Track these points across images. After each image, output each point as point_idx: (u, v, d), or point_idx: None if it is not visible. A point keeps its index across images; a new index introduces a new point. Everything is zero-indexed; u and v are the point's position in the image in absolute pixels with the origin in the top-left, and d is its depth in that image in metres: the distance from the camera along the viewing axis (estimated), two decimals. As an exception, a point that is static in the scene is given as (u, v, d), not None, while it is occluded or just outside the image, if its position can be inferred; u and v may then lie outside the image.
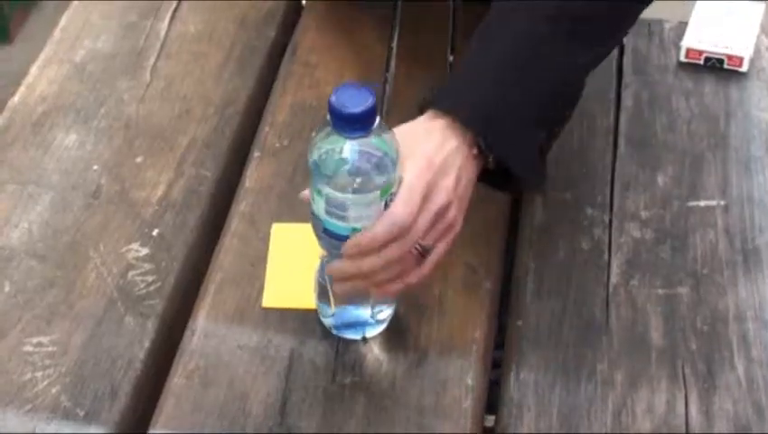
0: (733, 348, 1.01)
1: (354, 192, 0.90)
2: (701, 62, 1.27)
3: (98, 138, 1.20)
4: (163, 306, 1.04)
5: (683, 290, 1.05)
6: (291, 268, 1.06)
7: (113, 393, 0.97)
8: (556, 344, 1.02)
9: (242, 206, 1.13)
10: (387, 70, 1.26)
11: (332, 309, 1.00)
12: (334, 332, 1.01)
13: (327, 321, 1.01)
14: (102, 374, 0.99)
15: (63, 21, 1.35)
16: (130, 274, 1.06)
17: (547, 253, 1.09)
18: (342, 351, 1.00)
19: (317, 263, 0.98)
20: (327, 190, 0.90)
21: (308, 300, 1.02)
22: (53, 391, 0.97)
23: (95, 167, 1.16)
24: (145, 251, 1.08)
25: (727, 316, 1.03)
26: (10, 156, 1.18)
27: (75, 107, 1.23)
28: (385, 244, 0.91)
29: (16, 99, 1.24)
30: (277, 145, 1.18)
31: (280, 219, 1.11)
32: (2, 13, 2.71)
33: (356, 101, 0.87)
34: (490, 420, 1.00)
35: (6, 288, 1.05)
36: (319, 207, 0.92)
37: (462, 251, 1.07)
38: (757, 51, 1.28)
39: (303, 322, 1.02)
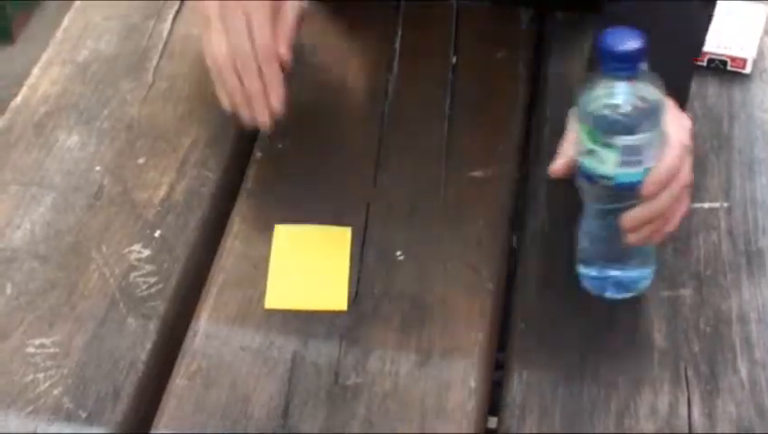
0: (736, 350, 1.00)
1: (647, 130, 0.92)
2: (704, 64, 1.27)
3: (100, 139, 1.20)
4: (165, 307, 1.04)
5: (686, 292, 1.05)
6: (294, 269, 1.06)
7: (115, 394, 0.97)
8: (559, 345, 1.01)
9: (244, 207, 1.13)
10: (390, 70, 1.26)
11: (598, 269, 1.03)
12: (597, 291, 1.03)
13: (592, 283, 1.04)
14: (104, 376, 0.99)
15: (66, 21, 1.35)
16: (132, 275, 1.06)
17: (550, 254, 1.09)
18: (345, 353, 1.00)
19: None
20: (621, 140, 0.92)
21: (311, 301, 1.02)
22: (55, 392, 0.97)
23: (97, 168, 1.16)
24: (147, 253, 1.08)
25: (730, 318, 1.03)
26: (12, 157, 1.18)
27: (77, 108, 1.23)
28: (672, 178, 0.95)
29: (18, 99, 1.24)
30: (280, 146, 1.18)
31: (283, 220, 1.10)
32: (4, 13, 2.72)
33: (625, 41, 0.91)
34: (492, 422, 1.00)
35: (8, 290, 1.05)
36: (608, 165, 0.94)
37: (464, 252, 1.07)
38: (761, 52, 1.28)
39: (305, 323, 1.02)
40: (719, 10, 1.30)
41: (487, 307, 1.04)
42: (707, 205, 1.12)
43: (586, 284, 1.05)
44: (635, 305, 1.04)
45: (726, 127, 1.21)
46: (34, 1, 2.83)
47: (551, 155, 1.17)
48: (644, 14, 1.02)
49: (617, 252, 1.02)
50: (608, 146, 0.93)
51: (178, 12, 1.35)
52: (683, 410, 0.96)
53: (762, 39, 1.29)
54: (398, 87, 1.24)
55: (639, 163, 0.94)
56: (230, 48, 1.06)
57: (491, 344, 1.02)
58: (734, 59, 1.26)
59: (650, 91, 0.93)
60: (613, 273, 1.03)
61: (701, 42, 1.16)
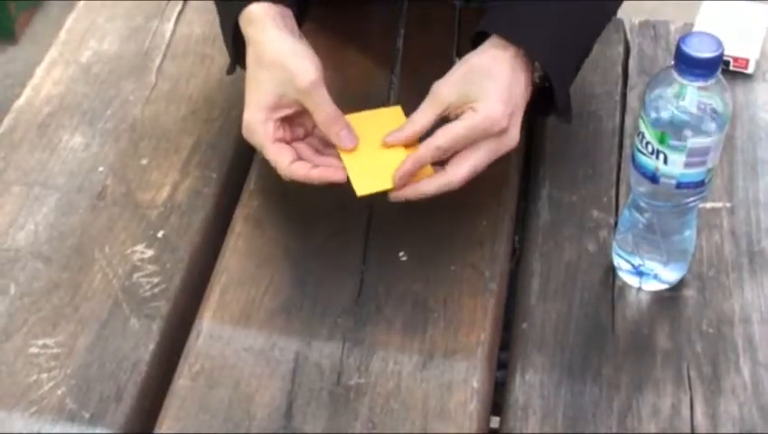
0: (738, 351, 1.00)
1: (714, 133, 0.95)
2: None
3: (103, 140, 1.20)
4: (168, 307, 1.04)
5: (689, 292, 1.05)
6: (365, 154, 1.06)
7: (118, 395, 0.98)
8: (561, 346, 1.01)
9: (247, 208, 1.13)
10: (392, 71, 1.26)
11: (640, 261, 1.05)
12: (630, 277, 1.06)
13: (628, 276, 1.06)
14: (107, 376, 0.99)
15: (69, 22, 1.35)
16: (135, 276, 1.06)
17: (552, 255, 1.09)
18: (348, 353, 1.00)
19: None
20: (689, 142, 0.94)
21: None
22: (59, 392, 0.97)
23: (100, 169, 1.17)
24: (150, 253, 1.09)
25: (733, 319, 1.03)
26: (16, 158, 1.18)
27: (81, 108, 1.23)
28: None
29: (22, 100, 1.25)
30: (283, 146, 1.18)
31: (286, 219, 1.10)
32: (7, 13, 2.72)
33: (708, 47, 0.92)
34: (495, 421, 1.00)
35: (12, 290, 1.05)
36: (674, 165, 0.95)
37: (467, 253, 1.07)
38: (763, 52, 1.28)
39: (308, 324, 1.02)
40: (723, 11, 1.31)
41: (490, 308, 1.04)
42: (709, 205, 1.12)
43: (622, 274, 1.06)
44: (637, 305, 1.04)
45: (729, 127, 1.20)
46: (37, 0, 2.83)
47: (554, 154, 1.18)
48: None
49: (658, 246, 1.02)
50: (677, 148, 0.95)
51: (181, 12, 1.35)
52: (686, 411, 0.96)
53: (765, 39, 1.29)
54: (401, 87, 1.24)
55: (703, 163, 0.96)
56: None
57: (493, 344, 1.02)
58: (736, 59, 1.26)
59: (721, 98, 0.94)
60: (651, 265, 1.04)
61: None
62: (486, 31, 1.07)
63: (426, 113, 1.05)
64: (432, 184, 1.04)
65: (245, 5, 1.07)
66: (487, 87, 1.03)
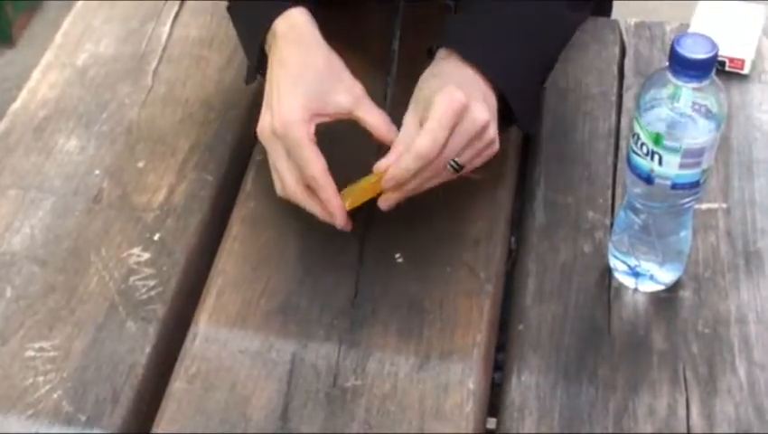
0: (734, 351, 1.00)
1: (709, 133, 0.94)
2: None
3: (99, 143, 1.20)
4: (164, 310, 1.04)
5: (685, 293, 1.05)
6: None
7: (114, 398, 0.98)
8: (557, 347, 1.02)
9: (244, 210, 1.13)
10: (389, 72, 1.26)
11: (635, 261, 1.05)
12: (626, 278, 1.06)
13: (624, 277, 1.06)
14: (104, 379, 0.99)
15: (65, 25, 1.35)
16: (131, 279, 1.07)
17: (548, 256, 1.09)
18: (344, 355, 1.00)
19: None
20: (684, 143, 0.94)
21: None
22: (55, 395, 0.98)
23: (96, 172, 1.17)
24: (146, 256, 1.09)
25: (729, 319, 1.03)
26: (12, 161, 1.18)
27: (77, 111, 1.24)
28: (418, 171, 1.01)
29: (18, 103, 1.25)
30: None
31: (282, 222, 1.10)
32: (5, 16, 2.72)
33: (703, 48, 0.92)
34: (492, 423, 1.00)
35: (8, 294, 1.05)
36: (669, 166, 0.95)
37: (463, 254, 1.07)
38: (759, 53, 1.28)
39: (304, 326, 1.02)
40: (719, 11, 1.31)
41: (485, 309, 1.04)
42: (705, 206, 1.12)
43: (618, 276, 1.06)
44: (633, 306, 1.04)
45: (725, 127, 1.20)
46: (35, 1, 2.84)
47: (549, 156, 1.18)
48: None
49: (654, 247, 1.02)
50: (672, 149, 0.95)
51: (177, 15, 1.35)
52: (682, 412, 0.96)
53: (760, 39, 1.29)
54: (397, 89, 1.24)
55: (698, 164, 0.96)
56: (443, 148, 1.02)
57: (489, 345, 1.02)
58: (732, 59, 1.26)
59: (716, 98, 0.94)
60: (647, 266, 1.04)
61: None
62: (444, 47, 1.09)
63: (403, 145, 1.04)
64: (405, 158, 1.02)
65: (281, 10, 1.08)
66: (434, 84, 1.05)
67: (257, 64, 1.13)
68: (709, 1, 1.33)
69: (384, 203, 1.05)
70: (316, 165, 1.03)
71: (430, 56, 1.11)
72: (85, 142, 1.20)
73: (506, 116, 1.09)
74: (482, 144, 1.04)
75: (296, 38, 1.08)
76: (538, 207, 1.13)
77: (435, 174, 1.03)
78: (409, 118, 1.05)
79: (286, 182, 1.05)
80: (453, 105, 1.00)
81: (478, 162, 1.06)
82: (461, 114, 1.01)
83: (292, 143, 1.03)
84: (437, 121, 1.00)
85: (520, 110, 1.09)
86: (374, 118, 1.07)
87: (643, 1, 2.17)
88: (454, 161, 1.02)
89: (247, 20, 1.15)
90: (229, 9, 1.19)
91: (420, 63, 1.26)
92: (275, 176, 1.07)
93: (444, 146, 1.00)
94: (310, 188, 1.04)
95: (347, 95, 1.07)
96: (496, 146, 1.06)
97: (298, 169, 1.04)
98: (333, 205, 1.04)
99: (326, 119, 1.06)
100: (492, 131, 1.04)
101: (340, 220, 1.04)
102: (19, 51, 2.74)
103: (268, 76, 1.07)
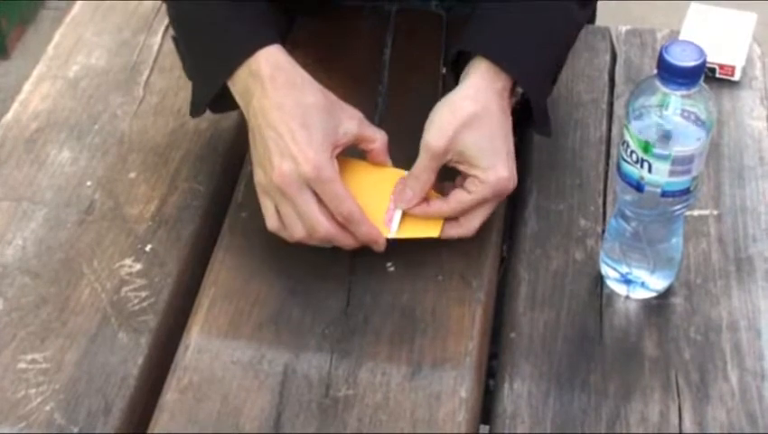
0: (726, 358, 1.01)
1: (698, 141, 0.95)
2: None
3: (91, 154, 1.20)
4: (156, 321, 1.04)
5: (676, 300, 1.05)
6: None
7: (107, 410, 0.98)
8: (549, 354, 1.02)
9: (236, 220, 1.13)
10: (380, 81, 1.26)
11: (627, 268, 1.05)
12: (617, 286, 1.06)
13: (616, 284, 1.06)
14: (96, 391, 0.99)
15: (56, 37, 1.35)
16: (124, 290, 1.07)
17: (540, 264, 1.09)
18: (336, 365, 1.00)
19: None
20: (674, 151, 0.94)
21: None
22: (47, 408, 0.97)
23: (88, 183, 1.17)
24: (138, 267, 1.09)
25: (721, 326, 1.03)
26: (4, 173, 1.18)
27: (68, 123, 1.24)
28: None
29: (9, 115, 1.25)
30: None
31: (274, 233, 1.11)
32: (-1, 28, 2.73)
33: (690, 56, 0.92)
34: (485, 429, 1.00)
35: (0, 306, 1.05)
36: (659, 174, 0.96)
37: (455, 263, 1.07)
38: (749, 60, 1.28)
39: (296, 336, 1.02)
40: (709, 18, 1.31)
41: (477, 318, 1.04)
42: (696, 213, 1.12)
43: (610, 283, 1.06)
44: (625, 313, 1.04)
45: (716, 134, 1.21)
46: (30, 14, 2.84)
47: (541, 163, 1.18)
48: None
49: (645, 254, 1.03)
50: (661, 156, 0.95)
51: (168, 26, 1.35)
52: (674, 418, 0.96)
53: (750, 46, 1.29)
54: (388, 98, 1.24)
55: (688, 172, 0.96)
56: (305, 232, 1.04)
57: (481, 354, 1.02)
58: (722, 66, 1.26)
59: (705, 106, 0.95)
60: (639, 273, 1.04)
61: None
62: (468, 50, 1.08)
63: (426, 172, 1.05)
64: (449, 232, 1.07)
65: (254, 49, 1.05)
66: (486, 149, 1.04)
67: (214, 99, 1.10)
68: (700, 8, 1.33)
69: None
70: (351, 200, 1.03)
71: (446, 63, 1.10)
72: (77, 153, 1.20)
73: (521, 119, 1.10)
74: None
75: (287, 80, 1.05)
76: (529, 215, 1.14)
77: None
78: (432, 159, 1.05)
79: (322, 225, 1.02)
80: (503, 194, 1.05)
81: None
82: (501, 195, 1.06)
83: (326, 183, 1.02)
84: (480, 199, 1.05)
85: (541, 114, 1.10)
86: (379, 136, 1.08)
87: (634, 1, 2.17)
88: None
89: (209, 53, 1.11)
90: (175, 39, 1.17)
91: (411, 72, 1.27)
92: (296, 225, 1.04)
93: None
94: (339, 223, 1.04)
95: (352, 121, 1.06)
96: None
97: (327, 209, 1.03)
98: (375, 235, 1.05)
99: (339, 150, 1.05)
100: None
101: (383, 246, 1.06)
102: (13, 62, 2.75)
103: (263, 122, 1.04)
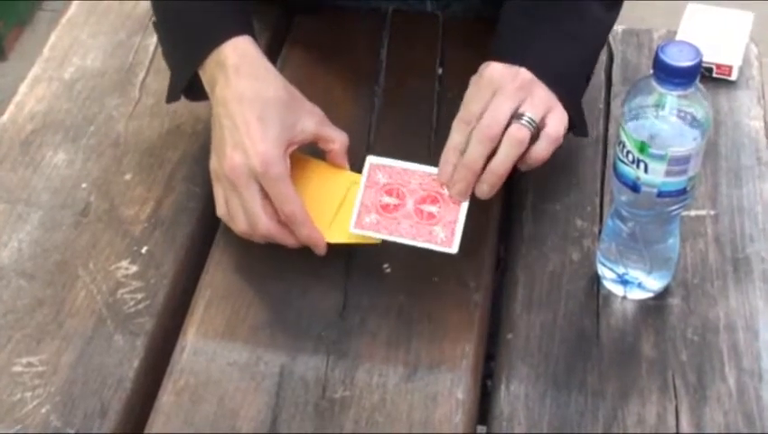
0: (723, 358, 1.00)
1: (694, 141, 0.94)
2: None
3: (87, 156, 1.20)
4: (152, 323, 1.04)
5: (673, 301, 1.05)
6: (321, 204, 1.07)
7: (103, 412, 0.97)
8: (546, 356, 1.01)
9: (232, 222, 1.12)
10: (377, 83, 1.26)
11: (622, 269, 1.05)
12: (614, 286, 1.06)
13: (613, 284, 1.06)
14: (92, 393, 0.99)
15: (52, 39, 1.35)
16: (119, 292, 1.06)
17: (537, 265, 1.09)
18: (332, 366, 1.00)
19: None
20: (670, 151, 0.94)
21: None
22: (43, 410, 0.97)
23: (84, 185, 1.16)
24: (134, 269, 1.08)
25: (718, 326, 1.03)
26: (-1, 175, 1.18)
27: (64, 125, 1.23)
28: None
29: (5, 117, 1.25)
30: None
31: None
32: (-4, 30, 2.72)
33: (686, 56, 0.92)
34: (482, 430, 1.00)
35: (-4, 308, 1.05)
36: (655, 174, 0.95)
37: (451, 264, 1.07)
38: (746, 59, 1.28)
39: (292, 338, 1.02)
40: (707, 18, 1.31)
41: (474, 319, 1.04)
42: (693, 213, 1.12)
43: (607, 283, 1.06)
44: (622, 314, 1.04)
45: (713, 134, 1.21)
46: (26, 16, 2.84)
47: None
48: None
49: (641, 255, 1.02)
50: (657, 156, 0.95)
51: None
52: (671, 420, 0.96)
53: (747, 46, 1.29)
54: (385, 99, 1.24)
55: (684, 172, 0.96)
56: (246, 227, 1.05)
57: (478, 355, 1.02)
58: (719, 66, 1.26)
59: (701, 106, 0.94)
60: (635, 274, 1.04)
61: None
62: (498, 56, 1.08)
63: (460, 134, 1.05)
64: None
65: (224, 39, 1.06)
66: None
67: (187, 86, 1.12)
68: (697, 7, 1.33)
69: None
70: (297, 200, 1.03)
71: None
72: (72, 155, 1.20)
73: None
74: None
75: (251, 71, 1.06)
76: (526, 216, 1.13)
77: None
78: (464, 120, 1.06)
79: (261, 221, 1.03)
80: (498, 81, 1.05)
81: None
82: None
83: (273, 179, 1.02)
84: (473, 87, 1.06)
85: (578, 115, 1.11)
86: (339, 137, 1.08)
87: (634, 2, 2.17)
88: (529, 117, 1.04)
89: (182, 40, 1.13)
90: (155, 24, 1.18)
91: (408, 72, 1.27)
92: (239, 216, 1.04)
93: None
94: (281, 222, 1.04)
95: (311, 119, 1.07)
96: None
97: (272, 205, 1.03)
98: (316, 239, 1.04)
99: (294, 148, 1.06)
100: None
101: (323, 250, 1.05)
102: (10, 64, 2.74)
103: (222, 111, 1.05)
